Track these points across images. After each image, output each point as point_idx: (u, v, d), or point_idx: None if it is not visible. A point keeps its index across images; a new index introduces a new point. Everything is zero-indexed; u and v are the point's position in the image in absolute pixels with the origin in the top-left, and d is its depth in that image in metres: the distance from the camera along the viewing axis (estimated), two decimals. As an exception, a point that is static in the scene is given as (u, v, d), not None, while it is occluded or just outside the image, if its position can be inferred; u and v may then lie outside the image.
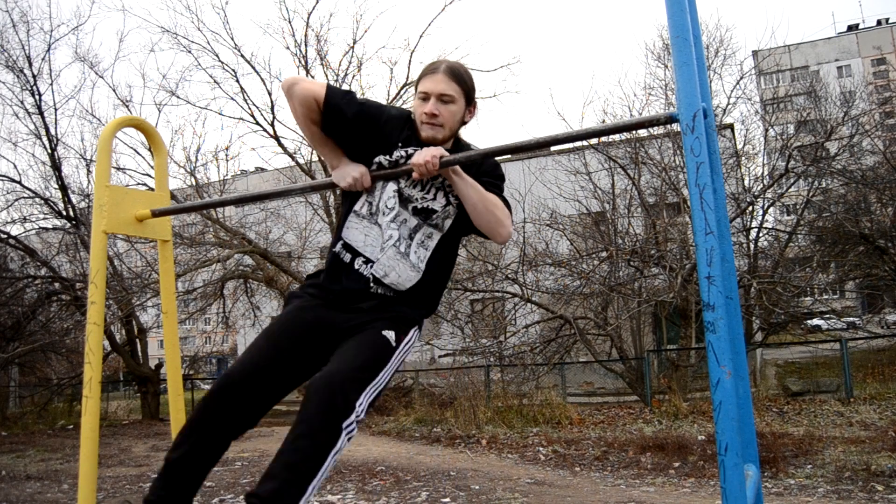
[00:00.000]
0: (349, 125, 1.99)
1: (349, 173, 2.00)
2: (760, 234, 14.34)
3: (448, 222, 2.03)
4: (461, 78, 2.00)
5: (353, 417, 1.71)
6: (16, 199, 15.42)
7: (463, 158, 1.95)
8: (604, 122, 13.25)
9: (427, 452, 8.35)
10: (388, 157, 2.02)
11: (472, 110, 2.07)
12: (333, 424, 1.68)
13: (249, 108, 14.57)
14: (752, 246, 13.71)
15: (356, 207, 2.05)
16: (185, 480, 1.90)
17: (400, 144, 2.02)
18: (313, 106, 1.96)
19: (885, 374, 11.81)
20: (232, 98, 15.13)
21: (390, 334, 1.91)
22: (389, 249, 1.98)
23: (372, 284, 1.99)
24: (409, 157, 1.99)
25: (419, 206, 2.01)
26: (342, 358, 1.82)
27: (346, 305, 2.00)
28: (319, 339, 1.96)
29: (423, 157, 1.89)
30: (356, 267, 2.00)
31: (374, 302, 1.99)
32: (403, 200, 2.01)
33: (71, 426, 13.40)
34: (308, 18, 15.13)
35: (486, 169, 2.07)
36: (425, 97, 1.98)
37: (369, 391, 1.78)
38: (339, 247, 2.05)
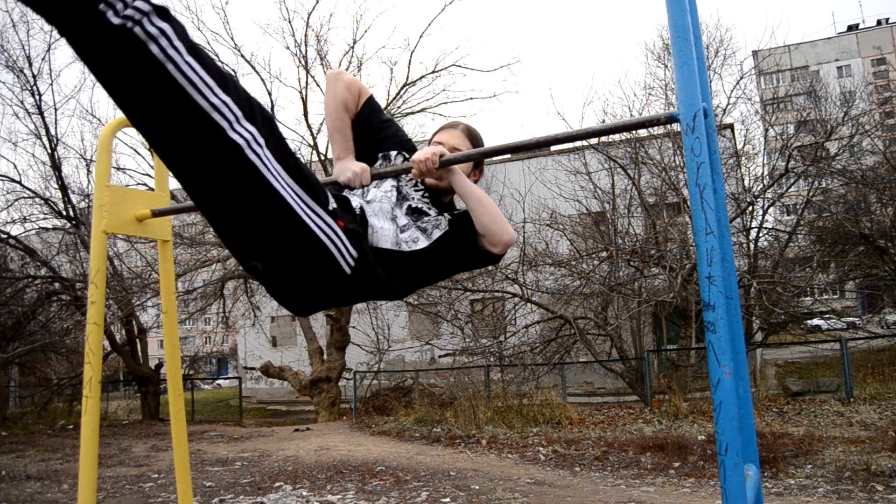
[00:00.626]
0: (378, 125, 2.16)
1: (350, 168, 2.01)
2: (760, 234, 14.34)
3: (437, 233, 1.98)
4: (476, 139, 2.16)
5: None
6: (16, 199, 15.46)
7: (463, 158, 1.95)
8: (604, 122, 13.25)
9: (427, 452, 8.35)
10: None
11: (478, 174, 2.21)
12: None
13: (250, 108, 14.50)
14: (752, 246, 13.70)
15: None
16: None
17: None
18: (356, 94, 2.11)
19: (885, 374, 11.81)
20: (232, 98, 15.09)
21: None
22: (385, 203, 1.98)
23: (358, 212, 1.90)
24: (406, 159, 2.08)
25: (413, 206, 2.02)
26: None
27: None
28: None
29: (424, 153, 1.90)
30: (345, 194, 1.96)
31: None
32: (400, 197, 2.02)
33: (71, 426, 13.40)
34: (308, 18, 15.22)
35: None
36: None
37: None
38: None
